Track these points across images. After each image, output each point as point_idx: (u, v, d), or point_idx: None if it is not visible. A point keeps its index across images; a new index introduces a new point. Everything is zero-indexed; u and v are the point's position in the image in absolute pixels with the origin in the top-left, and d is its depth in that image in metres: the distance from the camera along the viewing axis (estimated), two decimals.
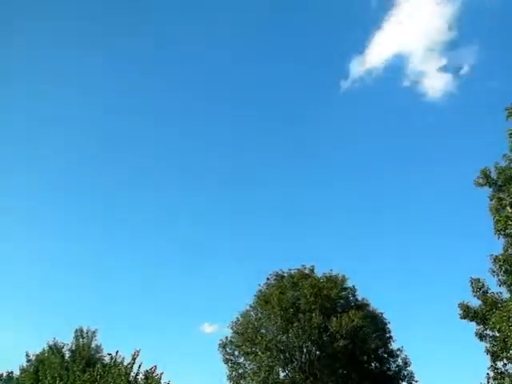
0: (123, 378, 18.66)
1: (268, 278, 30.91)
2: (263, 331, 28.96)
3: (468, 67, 64.53)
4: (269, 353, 27.84)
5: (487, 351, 18.66)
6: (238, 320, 30.07)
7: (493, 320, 17.42)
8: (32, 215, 73.85)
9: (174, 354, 51.87)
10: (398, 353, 29.73)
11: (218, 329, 60.38)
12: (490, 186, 18.77)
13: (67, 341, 29.30)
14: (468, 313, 19.04)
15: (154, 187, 74.29)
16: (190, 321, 60.91)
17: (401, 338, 30.72)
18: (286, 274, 30.83)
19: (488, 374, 18.67)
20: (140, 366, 19.58)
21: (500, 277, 18.24)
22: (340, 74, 72.36)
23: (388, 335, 30.04)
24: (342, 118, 68.84)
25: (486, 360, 18.71)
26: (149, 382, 19.20)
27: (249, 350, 28.65)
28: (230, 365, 29.25)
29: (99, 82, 75.74)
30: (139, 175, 75.17)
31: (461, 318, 19.36)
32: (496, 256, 18.19)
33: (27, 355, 30.15)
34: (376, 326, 29.38)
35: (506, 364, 18.29)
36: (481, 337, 18.97)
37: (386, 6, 74.67)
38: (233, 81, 74.45)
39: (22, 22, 66.76)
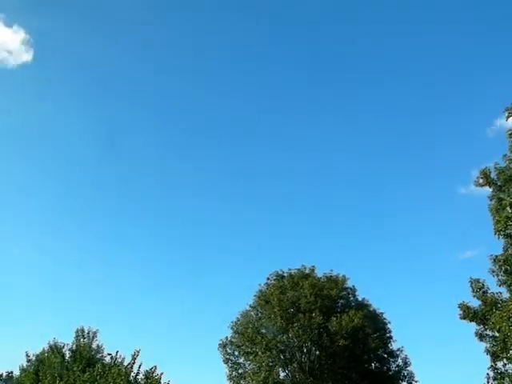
0: (123, 377, 18.64)
1: (268, 278, 30.93)
2: (263, 331, 28.94)
3: None
4: (269, 353, 27.83)
5: (487, 351, 18.66)
6: (238, 320, 30.06)
7: (493, 320, 17.40)
8: (32, 214, 73.90)
9: (175, 354, 51.99)
10: (398, 353, 29.74)
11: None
12: (490, 187, 18.74)
13: (68, 341, 29.26)
14: (468, 313, 19.01)
15: (155, 187, 74.39)
16: (191, 320, 60.79)
17: (401, 338, 30.80)
18: (286, 274, 30.82)
19: (488, 374, 18.69)
20: (140, 366, 19.59)
21: (500, 277, 18.24)
22: None
23: (388, 335, 30.01)
24: None
25: (486, 360, 18.74)
26: (149, 381, 19.19)
27: (249, 349, 28.63)
28: (229, 365, 29.27)
29: None
30: (139, 173, 75.24)
31: (461, 318, 19.34)
32: (496, 256, 18.19)
33: (27, 355, 30.09)
34: (376, 326, 29.35)
35: (505, 364, 18.29)
36: (481, 337, 18.97)
37: None
38: None
39: None
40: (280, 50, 73.44)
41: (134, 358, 19.51)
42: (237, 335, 29.41)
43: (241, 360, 29.38)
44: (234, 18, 72.73)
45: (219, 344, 29.62)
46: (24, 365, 30.10)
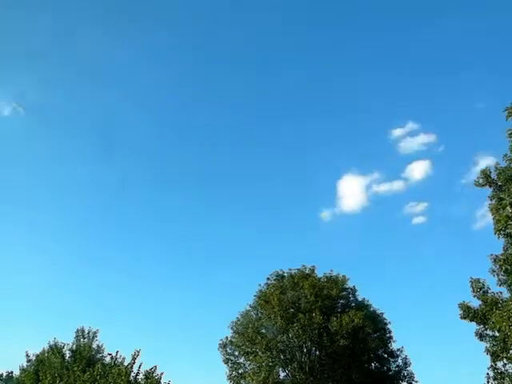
0: (123, 377, 18.66)
1: (268, 278, 30.91)
2: (263, 331, 28.91)
3: None
4: (269, 353, 27.82)
5: (487, 351, 18.64)
6: (239, 320, 30.06)
7: (493, 320, 17.41)
8: (32, 215, 73.82)
9: (175, 354, 51.98)
10: (398, 353, 29.73)
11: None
12: (491, 186, 18.74)
13: (68, 341, 29.30)
14: (468, 313, 19.01)
15: (156, 188, 74.35)
16: (191, 320, 60.77)
17: (401, 338, 30.74)
18: (286, 274, 30.81)
19: (488, 373, 18.66)
20: (140, 366, 19.62)
21: (500, 276, 18.24)
22: None
23: (388, 335, 30.00)
24: None
25: (486, 360, 18.72)
26: (149, 381, 19.21)
27: (249, 349, 28.63)
28: (230, 365, 29.26)
29: None
30: (138, 174, 75.19)
31: (461, 318, 19.34)
32: (496, 256, 18.19)
33: (27, 355, 30.14)
34: (376, 326, 29.32)
35: (505, 364, 18.28)
36: (481, 337, 18.96)
37: None
38: None
39: None
40: (278, 53, 73.44)
41: (134, 358, 19.54)
42: (237, 335, 29.40)
43: (241, 360, 29.40)
44: (231, 22, 72.77)
45: (219, 344, 29.68)
46: (24, 365, 30.19)
